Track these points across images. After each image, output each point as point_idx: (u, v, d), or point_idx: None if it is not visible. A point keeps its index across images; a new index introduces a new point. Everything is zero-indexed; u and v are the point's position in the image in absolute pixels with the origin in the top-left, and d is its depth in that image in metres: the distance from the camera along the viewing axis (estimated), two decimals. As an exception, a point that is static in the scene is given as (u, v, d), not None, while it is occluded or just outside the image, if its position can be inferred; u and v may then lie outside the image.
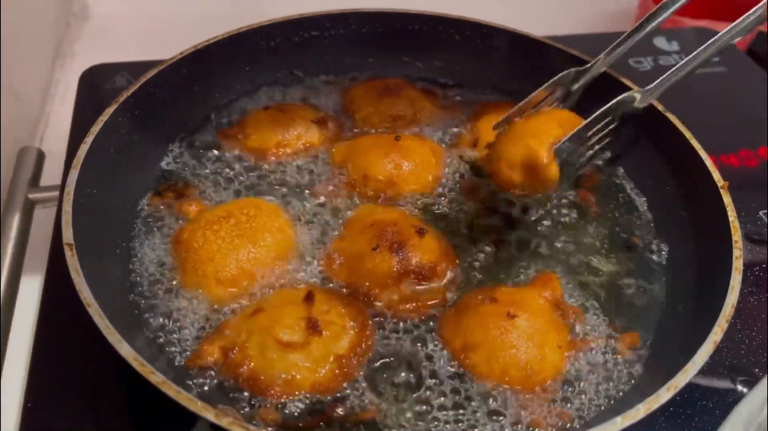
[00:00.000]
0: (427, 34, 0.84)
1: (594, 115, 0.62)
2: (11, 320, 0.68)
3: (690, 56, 0.64)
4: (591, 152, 0.64)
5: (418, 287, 0.60)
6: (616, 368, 0.57)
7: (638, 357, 0.58)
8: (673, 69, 0.65)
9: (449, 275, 0.62)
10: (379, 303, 0.59)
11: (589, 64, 0.72)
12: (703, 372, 0.59)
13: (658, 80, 0.66)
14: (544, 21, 1.09)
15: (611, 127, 0.64)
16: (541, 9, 1.34)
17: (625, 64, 0.98)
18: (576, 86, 0.71)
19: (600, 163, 0.76)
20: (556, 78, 0.68)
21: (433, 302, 0.60)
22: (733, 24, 0.61)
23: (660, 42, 1.04)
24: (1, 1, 0.89)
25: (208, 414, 0.43)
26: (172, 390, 0.44)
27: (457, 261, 0.64)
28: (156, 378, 0.45)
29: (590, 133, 0.63)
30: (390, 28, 0.83)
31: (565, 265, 0.65)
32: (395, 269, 0.59)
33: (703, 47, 0.63)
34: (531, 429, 0.52)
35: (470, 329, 0.56)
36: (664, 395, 0.46)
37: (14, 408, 0.61)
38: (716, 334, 0.50)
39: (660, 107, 0.71)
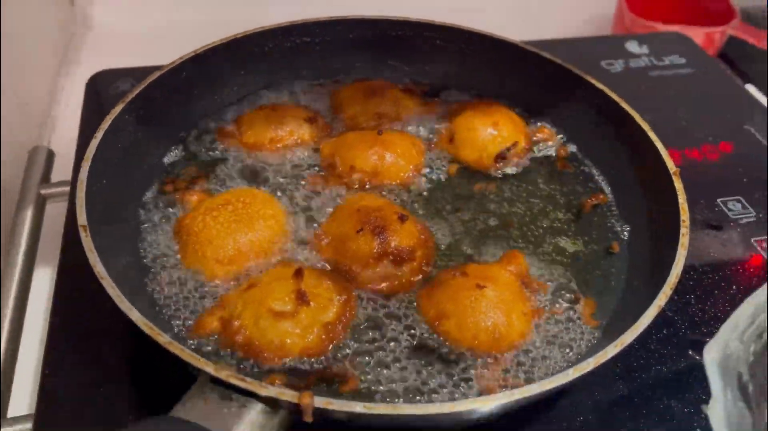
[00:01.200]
0: (411, 39, 0.90)
1: None
2: (27, 303, 0.74)
3: None
4: None
5: (395, 268, 0.66)
6: (576, 336, 0.63)
7: (598, 326, 0.64)
8: None
9: (426, 257, 0.68)
10: (360, 280, 0.65)
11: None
12: (661, 343, 0.67)
13: None
14: (525, 27, 1.16)
15: None
16: (523, 15, 1.41)
17: (597, 66, 1.04)
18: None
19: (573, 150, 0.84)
20: None
21: (409, 280, 0.66)
22: None
23: (631, 46, 1.11)
24: (8, 13, 0.96)
25: (208, 367, 0.48)
26: (177, 348, 0.50)
27: (434, 245, 0.70)
28: (163, 339, 0.51)
29: None
30: (376, 33, 0.89)
31: (534, 245, 0.72)
32: (375, 250, 0.65)
33: None
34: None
35: (443, 300, 0.62)
36: (611, 350, 0.52)
37: (29, 380, 0.68)
38: (661, 299, 0.56)
39: (624, 105, 0.78)
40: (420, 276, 0.67)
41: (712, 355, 0.51)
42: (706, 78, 1.06)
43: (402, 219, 0.67)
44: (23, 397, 0.68)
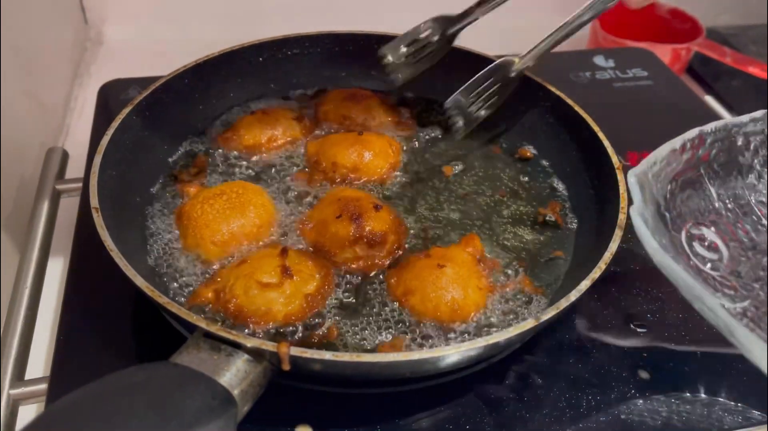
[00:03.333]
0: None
1: (476, 76, 0.86)
2: (42, 283, 0.82)
3: (562, 23, 0.85)
4: (481, 107, 0.87)
5: (369, 249, 0.74)
6: (524, 307, 0.71)
7: (544, 299, 0.73)
8: (546, 36, 0.87)
9: (397, 242, 0.77)
10: (338, 260, 0.74)
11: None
12: (605, 319, 0.75)
13: (532, 48, 0.87)
14: (505, 44, 1.25)
15: (495, 87, 0.87)
16: (502, 34, 1.50)
17: (566, 78, 1.14)
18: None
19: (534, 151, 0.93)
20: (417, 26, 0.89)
21: (381, 261, 0.74)
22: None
23: (598, 60, 1.20)
24: (29, 30, 1.06)
25: (201, 323, 0.57)
26: (174, 307, 0.58)
27: (405, 231, 0.79)
28: (163, 300, 0.59)
29: (477, 90, 0.86)
30: (359, 46, 0.99)
31: (493, 233, 0.80)
32: (352, 234, 0.74)
33: (575, 14, 0.85)
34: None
35: (409, 279, 0.70)
36: (550, 311, 0.60)
37: (44, 349, 0.77)
38: (595, 273, 0.64)
39: (577, 108, 0.86)
40: (390, 258, 0.75)
41: (633, 179, 0.66)
42: (667, 90, 1.15)
43: (377, 208, 0.76)
44: (39, 363, 0.77)
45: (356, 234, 0.74)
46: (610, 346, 0.72)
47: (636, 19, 1.47)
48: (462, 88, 0.85)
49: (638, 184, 0.66)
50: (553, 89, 0.89)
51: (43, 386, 0.68)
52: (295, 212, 0.80)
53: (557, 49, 1.45)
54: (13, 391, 0.69)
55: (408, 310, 0.69)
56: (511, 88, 0.89)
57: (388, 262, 0.75)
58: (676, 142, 0.73)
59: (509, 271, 0.75)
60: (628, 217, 0.67)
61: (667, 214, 0.70)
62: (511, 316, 0.70)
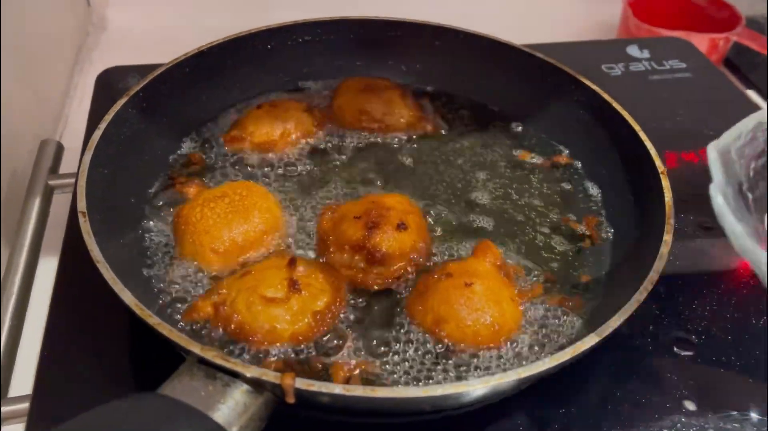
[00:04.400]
0: (409, 39, 0.92)
1: None
2: (31, 287, 0.76)
3: None
4: None
5: (367, 264, 0.66)
6: (557, 324, 0.65)
7: (581, 314, 0.66)
8: None
9: (405, 269, 0.68)
10: (330, 259, 0.67)
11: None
12: (646, 339, 0.68)
13: None
14: (529, 31, 1.17)
15: None
16: (526, 20, 1.42)
17: (597, 70, 1.06)
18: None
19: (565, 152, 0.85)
20: None
21: (366, 281, 0.66)
22: None
23: (632, 50, 1.12)
24: (29, 13, 0.99)
25: (195, 348, 0.50)
26: (165, 329, 0.52)
27: (418, 268, 0.68)
28: (153, 320, 0.53)
29: None
30: (376, 33, 0.91)
31: (520, 243, 0.73)
32: (356, 240, 0.66)
33: None
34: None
35: (437, 304, 0.62)
36: (590, 340, 0.53)
37: (32, 363, 0.71)
38: (641, 293, 0.57)
39: (615, 104, 0.79)
40: (390, 283, 0.67)
41: (714, 154, 0.59)
42: (706, 83, 1.06)
43: (400, 227, 0.67)
44: (27, 378, 0.71)
45: (359, 242, 0.66)
46: (651, 372, 0.65)
47: (670, 6, 1.39)
48: None
49: (720, 160, 0.59)
50: (587, 82, 0.82)
51: (26, 405, 0.62)
52: (305, 217, 0.73)
53: (586, 37, 1.39)
54: (-6, 410, 0.63)
55: (443, 340, 0.62)
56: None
57: (373, 288, 0.67)
58: (764, 114, 0.64)
59: (533, 276, 0.69)
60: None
61: (749, 195, 0.62)
62: (544, 332, 0.63)
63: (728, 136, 0.60)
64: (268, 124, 0.82)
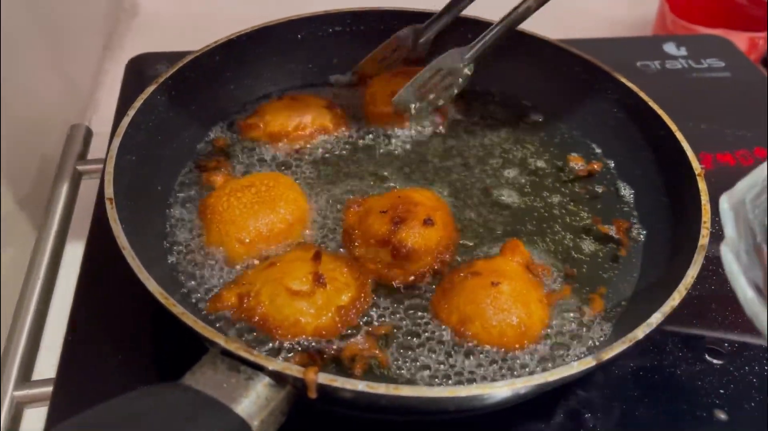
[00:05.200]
0: (441, 31, 0.90)
1: (420, 73, 0.79)
2: (58, 272, 0.77)
3: (506, 14, 0.77)
4: (433, 97, 0.80)
5: (392, 260, 0.65)
6: (586, 328, 0.63)
7: (609, 318, 0.64)
8: (491, 29, 0.78)
9: (430, 266, 0.67)
10: (356, 253, 0.66)
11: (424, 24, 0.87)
12: (677, 345, 0.66)
13: (476, 42, 0.78)
14: (562, 27, 1.15)
15: (447, 81, 0.79)
16: (559, 15, 1.39)
17: (632, 67, 1.03)
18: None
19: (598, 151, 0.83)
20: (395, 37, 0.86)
21: (389, 275, 0.66)
22: None
23: (669, 47, 1.09)
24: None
25: (219, 339, 0.50)
26: (189, 319, 0.51)
27: (447, 264, 0.68)
28: (177, 309, 0.52)
29: (426, 84, 0.79)
30: (406, 25, 0.90)
31: (547, 242, 0.72)
32: (383, 234, 0.65)
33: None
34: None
35: (462, 304, 0.61)
36: (618, 347, 0.52)
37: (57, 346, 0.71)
38: (674, 299, 0.55)
39: (652, 103, 0.77)
40: (403, 282, 0.66)
41: (726, 205, 0.53)
42: (746, 83, 1.03)
43: (426, 223, 0.66)
44: (51, 362, 0.71)
45: (386, 238, 0.65)
46: (681, 381, 0.63)
47: (708, 3, 1.35)
48: (404, 87, 0.79)
49: (733, 212, 0.54)
50: (623, 80, 0.80)
51: (49, 389, 0.62)
52: (329, 210, 0.72)
53: (623, 34, 1.36)
54: (18, 393, 0.64)
55: (469, 340, 0.61)
56: (465, 79, 0.80)
57: (404, 283, 0.66)
58: None
59: (561, 277, 0.68)
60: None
61: (764, 246, 0.58)
62: (571, 334, 0.62)
63: (742, 186, 0.55)
64: (285, 116, 0.81)
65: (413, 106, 0.80)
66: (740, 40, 1.19)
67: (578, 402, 0.61)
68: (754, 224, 0.53)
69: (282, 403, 0.50)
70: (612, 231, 0.73)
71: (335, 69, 0.92)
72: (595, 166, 0.80)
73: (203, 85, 0.80)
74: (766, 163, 0.54)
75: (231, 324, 0.61)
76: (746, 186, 0.54)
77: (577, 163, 0.81)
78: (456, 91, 0.80)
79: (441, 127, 0.85)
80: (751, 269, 0.51)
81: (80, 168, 0.87)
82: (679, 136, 0.72)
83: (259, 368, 0.49)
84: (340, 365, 0.59)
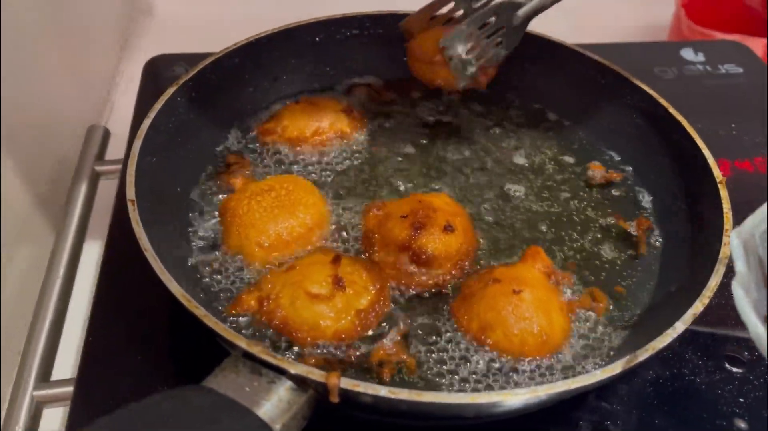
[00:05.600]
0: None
1: (473, 16, 0.73)
2: (76, 271, 0.77)
3: None
4: (480, 52, 0.75)
5: (411, 266, 0.65)
6: (605, 336, 0.63)
7: (627, 326, 0.64)
8: None
9: (450, 272, 0.67)
10: (375, 258, 0.67)
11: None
12: (696, 353, 0.66)
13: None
14: (578, 31, 1.15)
15: (500, 30, 0.75)
16: (575, 20, 1.39)
17: (650, 72, 1.03)
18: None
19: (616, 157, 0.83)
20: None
21: (411, 281, 0.66)
22: None
23: (686, 53, 1.09)
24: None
25: (241, 342, 0.50)
26: (211, 321, 0.52)
27: (464, 270, 0.68)
28: (199, 312, 0.52)
29: (478, 31, 0.74)
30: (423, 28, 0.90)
31: (565, 248, 0.72)
32: (402, 240, 0.65)
33: None
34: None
35: (483, 311, 0.61)
36: (642, 355, 0.52)
37: (74, 346, 0.72)
38: (697, 308, 0.55)
39: (672, 110, 0.76)
40: (423, 288, 0.66)
41: (736, 241, 0.52)
42: (764, 89, 1.03)
43: (447, 229, 0.66)
44: (68, 362, 0.72)
45: (405, 243, 0.65)
46: (700, 389, 0.63)
47: (725, 8, 1.35)
48: (459, 26, 0.73)
49: (743, 247, 0.52)
50: (641, 85, 0.79)
51: (69, 389, 0.63)
52: (347, 214, 0.73)
53: (638, 39, 1.36)
54: (38, 392, 0.64)
55: (489, 347, 0.61)
56: (516, 39, 0.76)
57: (424, 289, 0.66)
58: None
59: (582, 286, 0.67)
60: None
61: None
62: (590, 341, 0.62)
63: (751, 221, 0.55)
64: (303, 120, 0.81)
65: (461, 49, 0.73)
66: (757, 45, 1.19)
67: (596, 411, 0.61)
68: (764, 257, 0.53)
69: (304, 407, 0.50)
70: (632, 228, 0.73)
71: (352, 72, 0.92)
72: (615, 176, 0.80)
73: (223, 87, 0.80)
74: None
75: (250, 326, 0.61)
76: (755, 221, 0.53)
77: (596, 170, 0.80)
78: (505, 52, 0.76)
79: (483, 87, 0.82)
80: (761, 303, 0.50)
81: (98, 168, 0.87)
82: (700, 143, 0.71)
83: (282, 372, 0.49)
84: (367, 370, 0.59)
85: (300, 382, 0.49)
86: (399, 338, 0.61)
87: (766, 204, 0.54)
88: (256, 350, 0.50)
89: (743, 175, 0.89)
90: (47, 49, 0.92)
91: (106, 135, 0.94)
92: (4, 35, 0.77)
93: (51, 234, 0.86)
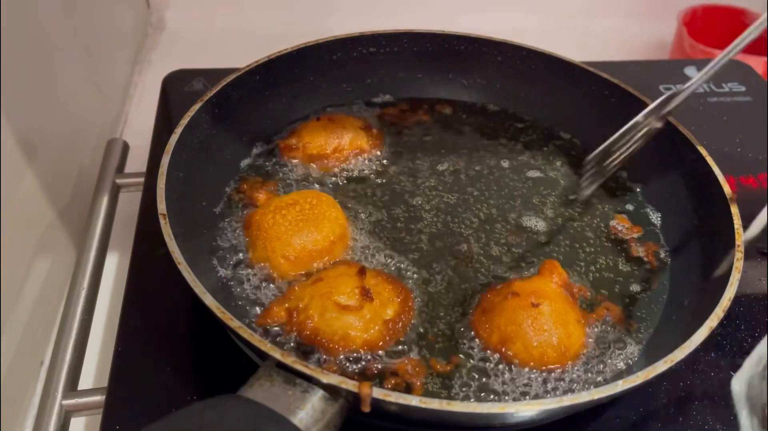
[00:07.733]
0: (471, 54, 0.93)
1: (617, 134, 0.74)
2: (99, 284, 0.78)
3: (699, 76, 0.75)
4: (616, 162, 0.78)
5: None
6: (618, 349, 0.65)
7: (640, 339, 0.66)
8: (686, 87, 0.76)
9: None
10: None
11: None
12: (708, 365, 0.68)
13: (674, 101, 0.76)
14: (581, 49, 1.18)
15: (636, 141, 0.76)
16: (578, 38, 1.43)
17: (654, 90, 1.05)
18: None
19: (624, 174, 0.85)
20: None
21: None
22: (735, 41, 0.73)
23: (690, 71, 1.11)
24: (89, 14, 1.02)
25: (276, 353, 0.51)
26: (246, 333, 0.53)
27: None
28: (234, 323, 0.54)
29: (615, 147, 0.76)
30: (438, 47, 0.92)
31: (576, 263, 0.74)
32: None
33: (711, 64, 0.74)
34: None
35: (503, 324, 0.63)
36: (661, 366, 0.54)
37: (96, 357, 0.73)
38: (712, 320, 0.57)
39: (681, 128, 0.79)
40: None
41: (738, 388, 0.52)
42: (766, 106, 1.06)
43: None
44: (92, 372, 0.73)
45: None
46: (712, 398, 0.65)
47: (726, 27, 1.38)
48: (605, 143, 0.76)
49: (745, 393, 0.52)
50: (650, 103, 0.81)
51: (97, 398, 0.64)
52: (365, 228, 0.74)
53: (642, 57, 1.39)
54: (66, 402, 0.65)
55: (509, 360, 0.63)
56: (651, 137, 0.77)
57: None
58: None
59: (594, 298, 0.70)
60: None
61: None
62: (604, 354, 0.64)
63: (749, 365, 0.55)
64: (323, 138, 0.83)
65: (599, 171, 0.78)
66: (758, 64, 1.22)
67: (610, 422, 0.63)
68: (763, 396, 0.53)
69: (335, 416, 0.51)
70: (641, 252, 0.76)
71: (369, 89, 0.94)
72: (635, 230, 0.80)
73: (244, 104, 0.82)
74: (764, 338, 0.55)
75: (280, 336, 0.63)
76: (752, 364, 0.54)
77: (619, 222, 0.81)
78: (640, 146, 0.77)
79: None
80: None
81: (119, 181, 0.89)
82: (709, 160, 0.74)
83: (315, 381, 0.51)
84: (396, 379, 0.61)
85: (333, 391, 0.51)
86: (420, 349, 0.63)
87: (758, 346, 0.54)
88: (290, 360, 0.51)
89: (748, 190, 0.91)
90: (69, 64, 0.94)
91: (125, 148, 0.95)
92: (28, 49, 0.79)
93: (71, 245, 0.87)
